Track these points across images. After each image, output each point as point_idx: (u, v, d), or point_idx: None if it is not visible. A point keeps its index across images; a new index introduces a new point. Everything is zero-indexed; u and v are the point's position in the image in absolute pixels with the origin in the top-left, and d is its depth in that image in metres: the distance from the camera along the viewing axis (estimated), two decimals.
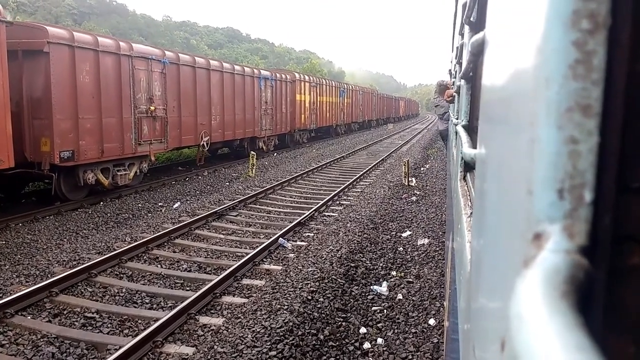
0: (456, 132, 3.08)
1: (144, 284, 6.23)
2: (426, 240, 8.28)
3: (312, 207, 10.42)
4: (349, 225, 8.90)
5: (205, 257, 7.28)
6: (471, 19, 2.47)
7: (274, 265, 6.99)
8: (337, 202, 11.40)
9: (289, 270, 6.53)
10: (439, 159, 19.75)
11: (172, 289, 6.13)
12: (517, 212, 0.45)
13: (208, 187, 13.19)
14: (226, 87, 15.81)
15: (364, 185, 13.61)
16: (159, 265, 6.87)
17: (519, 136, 0.46)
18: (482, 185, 0.85)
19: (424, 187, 13.57)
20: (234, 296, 5.91)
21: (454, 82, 6.90)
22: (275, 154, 20.78)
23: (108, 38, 11.00)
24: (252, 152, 15.02)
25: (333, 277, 6.27)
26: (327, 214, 10.23)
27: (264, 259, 7.21)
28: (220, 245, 7.91)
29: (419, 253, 7.71)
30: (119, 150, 10.91)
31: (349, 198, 11.92)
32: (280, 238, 7.97)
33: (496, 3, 0.81)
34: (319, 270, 6.39)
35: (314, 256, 7.08)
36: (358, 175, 14.93)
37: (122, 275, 6.47)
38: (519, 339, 0.34)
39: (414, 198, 12.00)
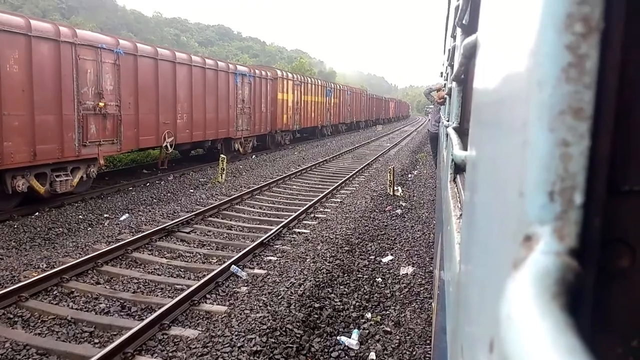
0: (447, 134, 3.00)
1: (38, 334, 4.75)
2: (410, 269, 6.89)
3: (281, 222, 9.00)
4: (319, 247, 7.48)
5: (134, 292, 5.81)
6: (463, 21, 2.45)
7: (217, 305, 5.54)
8: (312, 216, 9.98)
9: (233, 315, 5.10)
10: (428, 165, 18.42)
11: (74, 342, 4.66)
12: (508, 214, 0.45)
13: (168, 194, 11.70)
14: (195, 82, 14.30)
15: (345, 195, 12.20)
16: (69, 305, 5.39)
17: (511, 138, 0.46)
18: (473, 187, 0.86)
19: (410, 198, 12.21)
20: (152, 356, 4.45)
21: (445, 84, 6.81)
22: (253, 157, 19.31)
23: (45, 22, 9.45)
24: (222, 156, 13.54)
25: (288, 326, 4.84)
26: (297, 230, 8.81)
27: (208, 296, 5.77)
28: (158, 274, 6.45)
29: (400, 287, 6.31)
30: (57, 153, 9.38)
31: (325, 210, 10.51)
32: (234, 265, 6.53)
33: (489, 6, 0.81)
34: (270, 317, 4.96)
35: (270, 293, 5.65)
36: (339, 182, 13.53)
37: (15, 320, 4.99)
38: (509, 340, 0.34)
39: (398, 211, 10.62)
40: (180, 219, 8.69)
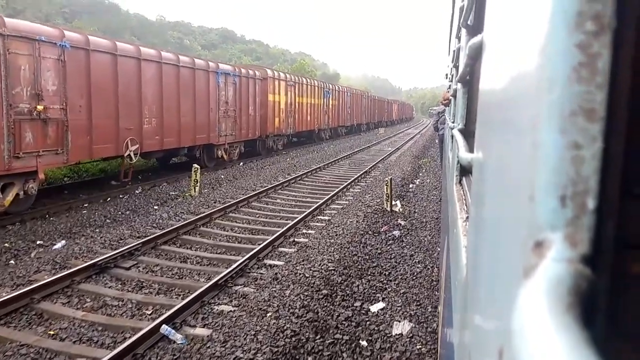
0: (452, 136, 2.95)
1: None
2: (407, 326, 5.14)
3: (251, 250, 7.27)
4: (288, 292, 5.75)
5: None
6: (468, 22, 2.46)
7: None
8: (291, 241, 8.25)
9: None
10: (432, 173, 16.65)
11: None
12: (517, 218, 0.44)
13: (127, 212, 10.00)
14: (167, 82, 12.61)
15: (334, 211, 10.46)
16: None
17: (520, 140, 0.45)
18: (480, 190, 0.84)
19: (411, 214, 10.44)
20: None
21: (450, 85, 6.55)
22: (241, 164, 17.59)
23: None
24: (195, 166, 11.83)
25: None
26: (269, 262, 7.08)
27: None
28: (61, 338, 4.72)
29: (392, 357, 4.56)
30: None
31: (309, 232, 8.78)
32: (165, 325, 4.81)
33: (495, 6, 0.81)
34: None
35: None
36: (330, 195, 11.79)
37: None
38: (521, 353, 0.33)
39: (396, 233, 8.87)
40: (122, 249, 6.98)
